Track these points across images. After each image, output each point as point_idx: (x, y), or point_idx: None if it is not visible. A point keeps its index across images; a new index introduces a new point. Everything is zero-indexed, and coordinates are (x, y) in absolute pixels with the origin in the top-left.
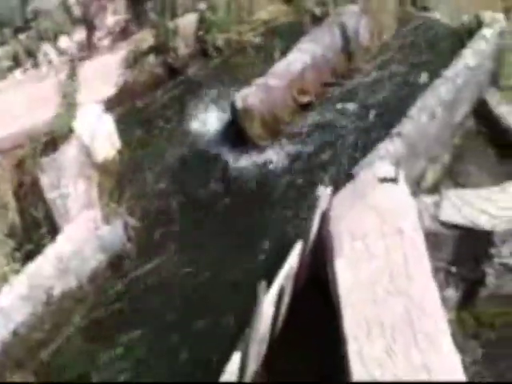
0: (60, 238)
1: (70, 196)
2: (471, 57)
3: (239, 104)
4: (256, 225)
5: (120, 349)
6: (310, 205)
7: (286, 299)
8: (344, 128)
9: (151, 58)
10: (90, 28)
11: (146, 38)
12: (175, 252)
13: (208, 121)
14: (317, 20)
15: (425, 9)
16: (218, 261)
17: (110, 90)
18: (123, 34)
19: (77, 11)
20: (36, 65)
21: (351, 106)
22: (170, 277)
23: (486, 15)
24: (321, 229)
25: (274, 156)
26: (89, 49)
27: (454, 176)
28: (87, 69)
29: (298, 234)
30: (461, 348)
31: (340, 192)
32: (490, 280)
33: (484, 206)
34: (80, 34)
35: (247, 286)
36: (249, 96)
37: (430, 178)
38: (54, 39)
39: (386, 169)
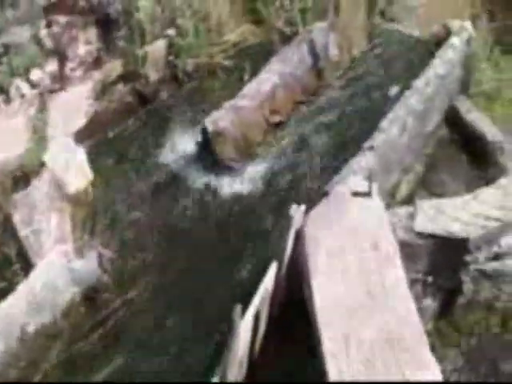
0: (32, 273)
1: (43, 231)
2: (440, 66)
3: (210, 127)
4: (233, 250)
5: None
6: (285, 224)
7: (263, 321)
8: (316, 145)
9: (121, 87)
10: (62, 59)
11: (115, 66)
12: (150, 283)
13: (180, 146)
14: (286, 39)
15: (393, 20)
16: (194, 289)
17: (81, 122)
18: (96, 63)
19: (48, 43)
20: (8, 100)
21: (322, 123)
22: (145, 308)
23: (454, 24)
24: (296, 247)
25: (248, 177)
26: (61, 80)
27: (428, 186)
28: (58, 101)
29: (273, 254)
30: (441, 357)
31: (314, 209)
32: (467, 287)
33: (458, 214)
34: (52, 66)
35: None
36: (219, 119)
37: (404, 189)
38: (25, 73)
39: (359, 183)
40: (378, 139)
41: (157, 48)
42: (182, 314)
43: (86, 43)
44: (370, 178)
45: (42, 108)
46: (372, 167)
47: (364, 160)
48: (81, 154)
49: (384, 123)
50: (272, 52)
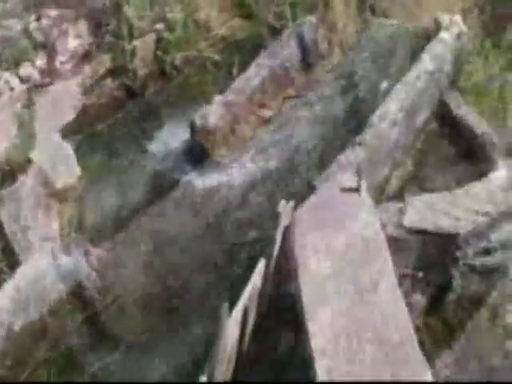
0: (19, 271)
1: (30, 228)
2: (430, 60)
3: (199, 123)
4: (221, 249)
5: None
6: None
7: (251, 318)
8: (306, 140)
9: (110, 81)
10: (52, 53)
11: (104, 61)
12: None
13: (169, 141)
14: (275, 33)
15: (384, 15)
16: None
17: (69, 117)
18: (85, 57)
19: (38, 36)
20: None
21: (312, 118)
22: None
23: (444, 18)
24: (284, 243)
25: (237, 173)
26: (50, 74)
27: (417, 181)
28: (47, 95)
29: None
30: (430, 353)
31: (302, 206)
32: (457, 282)
33: (447, 209)
34: (42, 60)
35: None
36: (208, 114)
37: (394, 184)
38: (15, 66)
39: (348, 179)
40: (367, 134)
41: (145, 42)
42: (171, 313)
43: (75, 37)
44: (358, 173)
45: (30, 103)
46: (361, 162)
47: (353, 155)
48: (68, 150)
49: (374, 118)
50: (261, 46)
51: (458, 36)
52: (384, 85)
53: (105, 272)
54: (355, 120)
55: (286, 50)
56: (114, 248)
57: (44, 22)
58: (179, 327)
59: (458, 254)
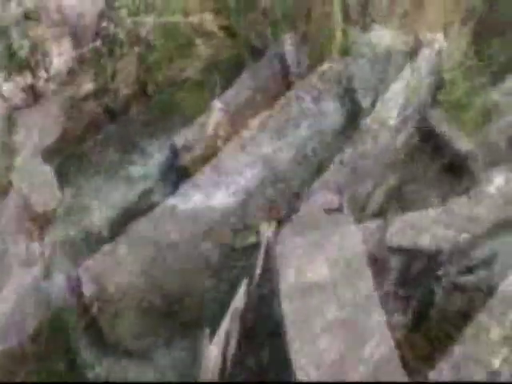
0: None
1: (10, 253)
2: (411, 76)
3: (179, 143)
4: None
5: None
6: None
7: (234, 341)
8: (286, 160)
9: (91, 102)
10: (35, 72)
11: (86, 81)
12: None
13: (150, 161)
14: (258, 52)
15: (367, 29)
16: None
17: (50, 139)
18: (68, 77)
19: (22, 56)
20: None
21: (292, 136)
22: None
23: (426, 34)
24: (266, 263)
25: (219, 195)
26: (33, 94)
27: (399, 199)
28: (28, 116)
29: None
30: (413, 370)
31: (284, 226)
32: (440, 301)
33: (429, 227)
34: (24, 79)
35: None
36: (189, 135)
37: (376, 202)
38: None
39: (329, 198)
40: (348, 152)
41: (127, 62)
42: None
43: (59, 56)
44: (341, 192)
45: (11, 124)
46: (343, 181)
47: (335, 174)
48: (49, 173)
49: (356, 135)
50: (243, 66)
51: (439, 52)
52: (367, 101)
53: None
54: (338, 138)
55: (268, 69)
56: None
57: (27, 40)
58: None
59: (441, 272)
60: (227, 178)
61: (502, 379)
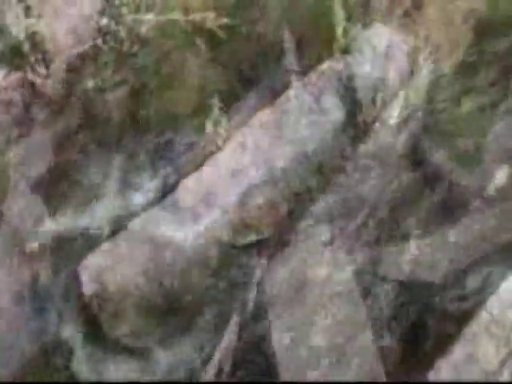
0: None
1: (2, 290)
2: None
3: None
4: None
5: None
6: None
7: (225, 375)
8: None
9: (82, 133)
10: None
11: (77, 112)
12: None
13: (143, 193)
14: (249, 84)
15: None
16: None
17: (41, 170)
18: (61, 107)
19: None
20: None
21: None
22: None
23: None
24: (258, 298)
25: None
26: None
27: (392, 229)
28: (20, 147)
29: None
30: None
31: (275, 259)
32: (433, 330)
33: (422, 257)
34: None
35: None
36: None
37: (369, 232)
38: None
39: (321, 230)
40: (340, 182)
41: (118, 94)
42: None
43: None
44: (331, 223)
45: (4, 153)
46: (334, 213)
47: (325, 206)
48: (40, 205)
49: (348, 165)
50: (236, 97)
51: (430, 79)
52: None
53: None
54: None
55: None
56: None
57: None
58: None
59: (434, 301)
60: (226, 177)
61: (502, 379)
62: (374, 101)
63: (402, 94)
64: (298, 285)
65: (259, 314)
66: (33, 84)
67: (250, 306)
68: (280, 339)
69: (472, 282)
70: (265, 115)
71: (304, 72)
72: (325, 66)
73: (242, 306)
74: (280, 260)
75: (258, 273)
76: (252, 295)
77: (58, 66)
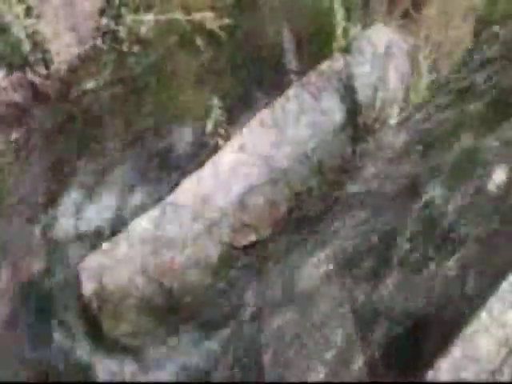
0: None
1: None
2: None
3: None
4: None
5: None
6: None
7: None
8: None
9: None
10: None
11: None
12: None
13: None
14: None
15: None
16: None
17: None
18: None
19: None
20: None
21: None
22: None
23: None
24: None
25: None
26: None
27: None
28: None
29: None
30: None
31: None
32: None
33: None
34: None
35: None
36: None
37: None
38: None
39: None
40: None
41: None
42: None
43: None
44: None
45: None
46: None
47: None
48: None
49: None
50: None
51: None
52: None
53: None
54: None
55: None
56: None
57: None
58: None
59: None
60: (227, 177)
61: (502, 379)
62: (373, 101)
63: (401, 93)
64: (297, 285)
65: (258, 314)
66: (33, 84)
67: (250, 306)
68: (276, 339)
69: (472, 282)
70: (265, 115)
71: (304, 72)
72: (324, 65)
73: (241, 307)
74: (279, 260)
75: (257, 273)
76: (251, 295)
77: (58, 66)
